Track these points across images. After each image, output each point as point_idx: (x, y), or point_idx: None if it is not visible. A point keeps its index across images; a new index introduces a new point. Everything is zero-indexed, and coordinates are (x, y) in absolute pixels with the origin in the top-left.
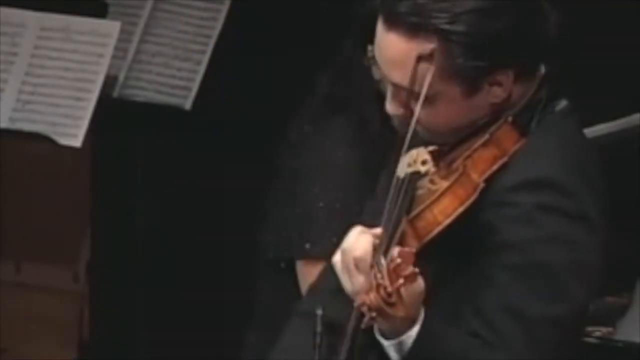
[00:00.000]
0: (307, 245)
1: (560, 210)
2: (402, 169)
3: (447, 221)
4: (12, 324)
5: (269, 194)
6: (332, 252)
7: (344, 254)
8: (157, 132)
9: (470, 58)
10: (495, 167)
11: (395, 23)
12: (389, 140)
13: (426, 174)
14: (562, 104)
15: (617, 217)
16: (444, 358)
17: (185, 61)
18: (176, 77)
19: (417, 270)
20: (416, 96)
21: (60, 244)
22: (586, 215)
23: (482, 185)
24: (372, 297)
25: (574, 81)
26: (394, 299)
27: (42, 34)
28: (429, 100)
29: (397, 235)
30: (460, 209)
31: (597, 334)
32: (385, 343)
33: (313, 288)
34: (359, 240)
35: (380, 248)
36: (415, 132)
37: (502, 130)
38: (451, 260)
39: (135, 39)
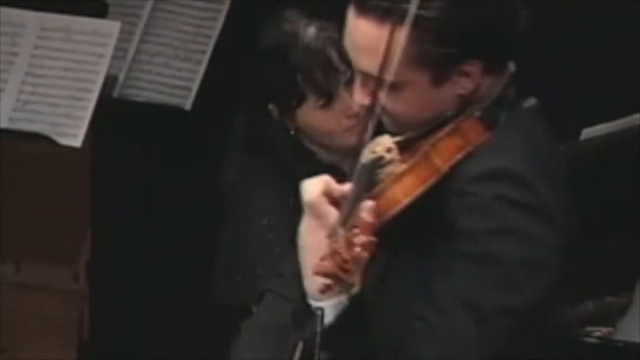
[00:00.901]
0: (253, 290)
1: (519, 202)
2: (366, 155)
3: (407, 200)
4: (12, 324)
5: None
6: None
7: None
8: (157, 132)
9: (439, 45)
10: (459, 156)
11: (365, 9)
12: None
13: (390, 161)
14: (531, 101)
15: (617, 217)
16: (377, 322)
17: (185, 61)
18: (176, 77)
19: (374, 239)
20: (385, 83)
21: (60, 244)
22: (545, 210)
23: (444, 168)
24: (327, 264)
25: (574, 81)
26: (349, 266)
27: (42, 34)
28: (396, 88)
29: (356, 210)
30: (421, 189)
31: (597, 334)
32: (323, 304)
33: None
34: (310, 185)
35: (338, 220)
36: (381, 125)
37: (468, 122)
38: (412, 247)
39: (135, 39)
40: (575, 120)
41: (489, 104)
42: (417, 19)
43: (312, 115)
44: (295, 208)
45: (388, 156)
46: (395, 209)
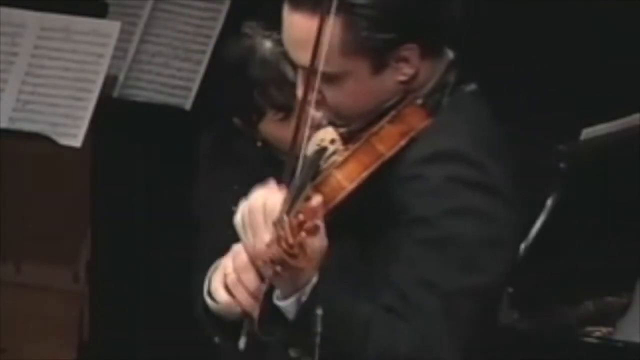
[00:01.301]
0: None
1: (470, 181)
2: (311, 147)
3: (351, 186)
4: (12, 324)
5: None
6: None
7: (250, 211)
8: (157, 132)
9: (374, 31)
10: (402, 143)
11: (297, 3)
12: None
13: (334, 152)
14: (471, 86)
15: (617, 217)
16: (341, 315)
17: (185, 61)
18: (176, 77)
19: (319, 223)
20: (328, 77)
21: (60, 244)
22: (496, 187)
23: (387, 154)
24: (274, 250)
25: (574, 81)
26: (295, 250)
27: (42, 34)
28: (336, 80)
29: (301, 197)
30: (364, 174)
31: (597, 334)
32: (284, 304)
33: None
34: (275, 197)
35: (283, 208)
36: (320, 119)
37: (409, 108)
38: (364, 237)
39: (135, 39)
40: (575, 120)
41: (429, 90)
42: (350, 7)
43: (273, 127)
44: None
45: (332, 147)
46: (340, 196)
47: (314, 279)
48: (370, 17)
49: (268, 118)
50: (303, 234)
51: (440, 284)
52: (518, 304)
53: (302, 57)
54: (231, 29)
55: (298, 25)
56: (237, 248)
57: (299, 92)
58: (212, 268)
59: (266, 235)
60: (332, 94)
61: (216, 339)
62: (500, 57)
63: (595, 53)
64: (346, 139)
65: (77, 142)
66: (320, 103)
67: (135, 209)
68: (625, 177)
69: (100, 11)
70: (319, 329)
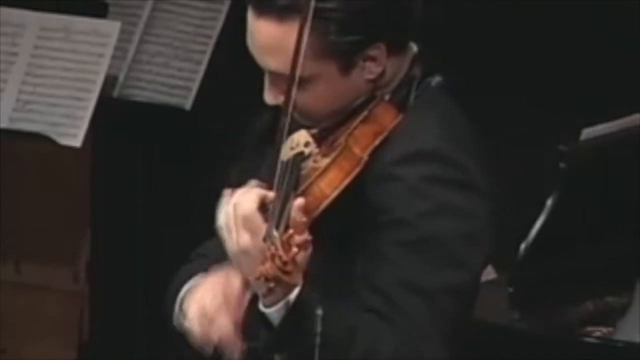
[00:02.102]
0: None
1: (445, 179)
2: (286, 153)
3: (334, 194)
4: (12, 324)
5: None
6: None
7: (233, 210)
8: (157, 132)
9: (342, 34)
10: (376, 142)
11: (264, 9)
12: None
13: (309, 155)
14: (437, 79)
15: (617, 217)
16: (326, 319)
17: (185, 61)
18: (176, 77)
19: (309, 237)
20: (291, 80)
21: (60, 244)
22: (472, 182)
23: (365, 158)
24: (268, 267)
25: (574, 81)
26: (289, 267)
27: (42, 34)
28: (306, 83)
29: (287, 211)
30: (346, 181)
31: (597, 334)
32: (270, 310)
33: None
34: (244, 199)
35: (271, 223)
36: (294, 119)
37: (379, 107)
38: (343, 240)
39: (135, 39)
40: (575, 120)
41: (396, 85)
42: (318, 11)
43: None
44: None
45: (307, 150)
46: (324, 204)
47: (299, 284)
48: (337, 21)
49: None
50: (295, 249)
51: (422, 284)
52: (518, 304)
53: (269, 62)
54: (231, 29)
55: (264, 32)
56: (216, 280)
57: (267, 97)
58: (186, 288)
59: (245, 237)
60: (302, 97)
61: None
62: (500, 57)
63: (595, 53)
64: (318, 140)
65: (77, 142)
66: (286, 103)
67: (135, 209)
68: (625, 177)
69: (100, 11)
70: (319, 329)
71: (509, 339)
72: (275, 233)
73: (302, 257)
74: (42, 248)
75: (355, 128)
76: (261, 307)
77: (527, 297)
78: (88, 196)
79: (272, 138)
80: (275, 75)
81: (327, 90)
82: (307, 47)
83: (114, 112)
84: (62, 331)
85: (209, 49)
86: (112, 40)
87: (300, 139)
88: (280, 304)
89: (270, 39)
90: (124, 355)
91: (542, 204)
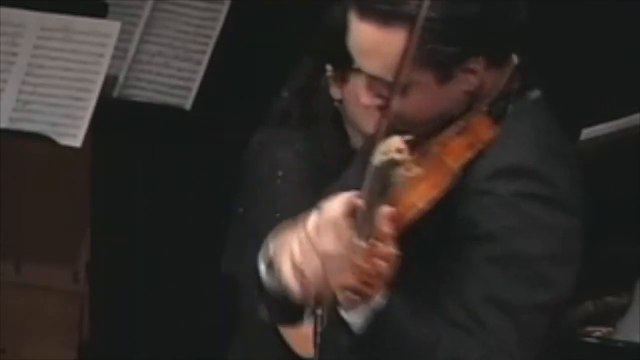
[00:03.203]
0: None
1: (539, 197)
2: (377, 157)
3: (424, 206)
4: (12, 324)
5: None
6: None
7: (319, 214)
8: (157, 132)
9: (442, 44)
10: (470, 155)
11: (367, 12)
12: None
13: (402, 162)
14: (536, 93)
15: (617, 217)
16: (408, 330)
17: (185, 61)
18: (176, 77)
19: (394, 251)
20: (390, 85)
21: (60, 244)
22: (565, 200)
23: (456, 169)
24: (349, 277)
25: (574, 81)
26: (373, 280)
27: (42, 34)
28: (403, 90)
29: (373, 219)
30: (436, 194)
31: (597, 334)
32: (350, 315)
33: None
34: (333, 202)
35: (357, 231)
36: (389, 124)
37: (476, 118)
38: (430, 252)
39: (135, 39)
40: (576, 120)
41: (494, 97)
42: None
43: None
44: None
45: (398, 157)
46: (412, 215)
47: (382, 294)
48: (440, 31)
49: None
50: (380, 262)
51: (510, 302)
52: None
53: (369, 66)
54: (231, 29)
55: (365, 35)
56: (301, 225)
57: (363, 99)
58: (271, 236)
59: (328, 239)
60: (398, 102)
61: (264, 314)
62: None
63: (595, 53)
64: (412, 147)
65: (77, 142)
66: (382, 108)
67: (135, 209)
68: (625, 177)
69: (100, 11)
70: (319, 329)
71: None
72: (360, 242)
73: (385, 269)
74: (42, 248)
75: (450, 138)
76: (341, 312)
77: None
78: (88, 196)
79: (295, 119)
80: (372, 78)
81: (422, 98)
82: (407, 55)
83: (114, 112)
84: (62, 331)
85: (209, 49)
86: (112, 40)
87: (393, 145)
88: (361, 310)
89: (371, 42)
90: (124, 355)
91: None
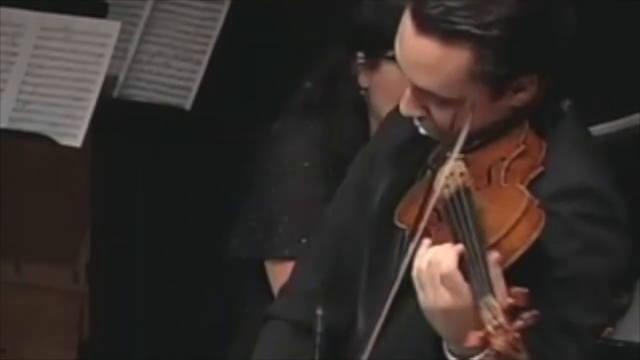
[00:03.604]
0: (272, 246)
1: (598, 217)
2: (442, 187)
3: (525, 247)
4: (12, 324)
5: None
6: (300, 253)
7: (429, 267)
8: (157, 132)
9: (499, 63)
10: (532, 177)
11: (428, 29)
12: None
13: (469, 186)
14: (567, 103)
15: None
16: None
17: (185, 61)
18: (176, 77)
19: (537, 313)
20: (442, 100)
21: (60, 244)
22: (618, 219)
23: (545, 212)
24: (499, 341)
25: (574, 81)
26: (520, 344)
27: (42, 34)
28: (451, 103)
29: (489, 269)
30: (535, 235)
31: None
32: None
33: (285, 290)
34: (445, 256)
35: (481, 286)
36: (428, 137)
37: (529, 138)
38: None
39: (135, 39)
40: None
41: (534, 111)
42: (480, 39)
43: (392, 72)
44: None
45: (468, 183)
46: (513, 259)
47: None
48: (497, 50)
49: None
50: (521, 322)
51: (574, 323)
52: None
53: (419, 79)
54: (231, 29)
55: (425, 51)
56: None
57: (405, 108)
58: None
59: (446, 296)
60: (445, 115)
61: None
62: None
63: (595, 53)
64: (467, 165)
65: (77, 142)
66: (424, 118)
67: (135, 209)
68: (625, 177)
69: (100, 11)
70: (319, 329)
71: None
72: (493, 301)
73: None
74: (42, 248)
75: (512, 161)
76: (447, 354)
77: None
78: (88, 196)
79: (318, 109)
80: (422, 91)
81: (473, 113)
82: (462, 70)
83: (114, 112)
84: (62, 331)
85: (209, 49)
86: (112, 40)
87: (455, 169)
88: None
89: (429, 59)
90: (124, 355)
91: None
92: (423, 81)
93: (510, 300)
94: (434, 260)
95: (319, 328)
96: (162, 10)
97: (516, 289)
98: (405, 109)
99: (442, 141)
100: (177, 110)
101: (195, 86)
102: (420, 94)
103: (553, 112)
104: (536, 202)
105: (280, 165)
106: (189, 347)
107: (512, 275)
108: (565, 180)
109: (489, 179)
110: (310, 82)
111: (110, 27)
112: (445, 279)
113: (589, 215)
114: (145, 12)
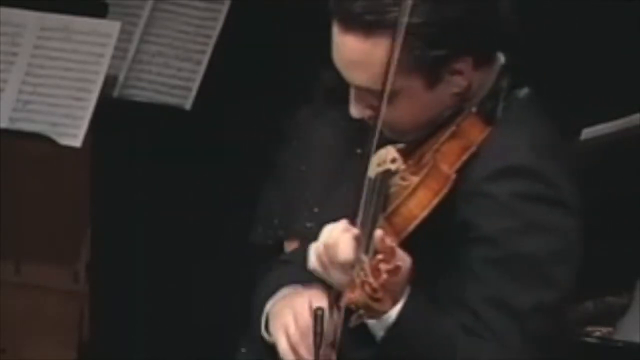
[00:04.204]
0: (299, 223)
1: (536, 196)
2: (373, 169)
3: (423, 214)
4: (12, 324)
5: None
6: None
7: (325, 250)
8: (157, 132)
9: (428, 48)
10: (464, 158)
11: (351, 24)
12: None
13: (396, 171)
14: (524, 91)
15: (617, 217)
16: (427, 335)
17: (185, 61)
18: (176, 77)
19: (399, 263)
20: (379, 94)
21: (60, 244)
22: (563, 199)
23: (453, 176)
24: (357, 295)
25: (574, 80)
26: (379, 294)
27: (42, 34)
28: (392, 97)
29: (375, 233)
30: (435, 201)
31: (597, 334)
32: (372, 322)
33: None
34: (342, 242)
35: (360, 247)
36: (381, 132)
37: (467, 121)
38: (432, 256)
39: (135, 39)
40: (575, 120)
41: (483, 97)
42: (405, 27)
43: None
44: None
45: (394, 167)
46: (412, 225)
47: (402, 301)
48: (424, 36)
49: None
50: (385, 276)
51: (512, 303)
52: None
53: (354, 77)
54: (231, 29)
55: (350, 47)
56: (299, 308)
57: (353, 111)
58: (272, 302)
59: (337, 275)
60: (388, 111)
61: None
62: None
63: (596, 53)
64: (405, 155)
65: (77, 142)
66: (373, 119)
67: (135, 209)
68: (625, 177)
69: (100, 11)
70: (319, 329)
71: None
72: (364, 258)
73: (392, 283)
74: (42, 248)
75: (442, 144)
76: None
77: None
78: (88, 196)
79: (339, 97)
80: (361, 90)
81: (412, 104)
82: (393, 62)
83: (114, 112)
84: (62, 331)
85: (209, 49)
86: (112, 40)
87: (387, 155)
88: (383, 318)
89: (357, 54)
90: (124, 355)
91: None
92: (357, 79)
93: (379, 257)
94: (330, 245)
95: (319, 328)
96: (162, 10)
97: (386, 246)
98: (353, 111)
99: (392, 136)
100: (177, 110)
101: (195, 86)
102: (362, 93)
103: (506, 99)
104: (446, 172)
105: (302, 149)
106: (189, 347)
107: (442, 253)
108: (502, 160)
109: (421, 163)
110: (329, 73)
111: (110, 27)
112: (343, 265)
113: (524, 195)
114: (145, 12)
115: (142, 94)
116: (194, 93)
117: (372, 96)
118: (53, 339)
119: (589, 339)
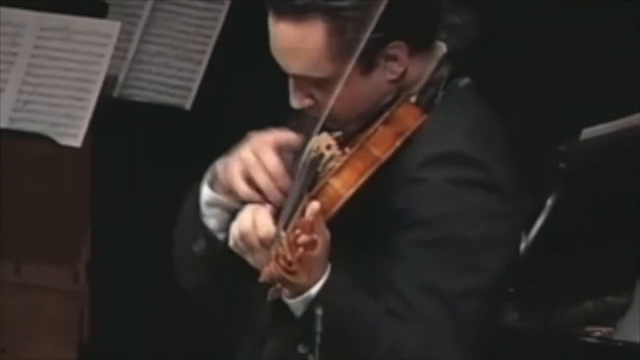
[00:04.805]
0: None
1: (471, 182)
2: (307, 154)
3: (348, 193)
4: (12, 324)
5: None
6: None
7: (246, 236)
8: (157, 132)
9: (360, 33)
10: (398, 144)
11: (282, 12)
12: None
13: (331, 158)
14: (465, 80)
15: (617, 217)
16: (349, 315)
17: (185, 61)
18: (176, 77)
19: (315, 237)
20: (317, 82)
21: (60, 244)
22: (498, 185)
23: (383, 157)
24: (272, 268)
25: (574, 81)
26: (294, 267)
27: (42, 34)
28: (327, 84)
29: (298, 211)
30: (361, 180)
31: (597, 334)
32: (292, 301)
33: None
34: (259, 220)
35: (280, 224)
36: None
37: (402, 107)
38: (365, 241)
39: (135, 39)
40: (575, 120)
41: (422, 86)
42: (334, 11)
43: None
44: None
45: (328, 153)
46: (338, 205)
47: (323, 279)
48: (355, 20)
49: None
50: (301, 249)
51: (441, 287)
52: (518, 304)
53: (290, 65)
54: (231, 29)
55: (284, 35)
56: (253, 138)
57: (293, 101)
58: (212, 167)
59: (263, 254)
60: (324, 99)
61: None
62: (499, 56)
63: (595, 53)
64: (342, 143)
65: (77, 142)
66: (313, 108)
67: (135, 209)
68: (625, 177)
69: (100, 11)
70: (319, 329)
71: (509, 339)
72: (282, 233)
73: (308, 256)
74: (42, 248)
75: (376, 129)
76: (283, 297)
77: (527, 297)
78: (88, 196)
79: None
80: (299, 79)
81: (348, 91)
82: (325, 48)
83: (114, 112)
84: (62, 331)
85: (209, 49)
86: (112, 40)
87: (321, 143)
88: (301, 297)
89: (291, 41)
90: (124, 355)
91: (542, 204)
92: (293, 66)
93: (296, 231)
94: (247, 228)
95: (319, 328)
96: (162, 10)
97: (303, 220)
98: (293, 102)
99: (332, 126)
100: (177, 110)
101: (195, 86)
102: (299, 82)
103: (445, 89)
104: (375, 154)
105: None
106: (189, 347)
107: (375, 239)
108: (437, 146)
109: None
110: None
111: (110, 27)
112: (264, 241)
113: (458, 180)
114: (145, 12)
115: (142, 94)
116: (194, 93)
117: (310, 84)
118: (53, 339)
119: (589, 339)
